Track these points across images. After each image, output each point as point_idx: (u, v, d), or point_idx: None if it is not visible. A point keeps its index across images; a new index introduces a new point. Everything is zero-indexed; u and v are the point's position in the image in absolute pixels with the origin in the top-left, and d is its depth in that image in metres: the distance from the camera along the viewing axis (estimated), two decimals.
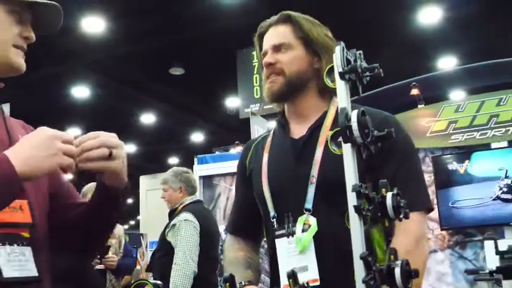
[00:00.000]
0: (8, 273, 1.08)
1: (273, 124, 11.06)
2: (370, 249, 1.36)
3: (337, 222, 1.31)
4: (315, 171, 1.40)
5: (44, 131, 1.08)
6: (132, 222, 24.06)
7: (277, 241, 1.43)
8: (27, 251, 1.15)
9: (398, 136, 1.41)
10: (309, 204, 1.40)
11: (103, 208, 1.26)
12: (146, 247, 10.51)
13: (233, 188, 5.07)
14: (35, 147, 1.05)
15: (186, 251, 3.22)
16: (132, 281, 5.41)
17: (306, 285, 1.05)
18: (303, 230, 1.39)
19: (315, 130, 1.48)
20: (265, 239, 1.62)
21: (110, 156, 1.17)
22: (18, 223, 1.15)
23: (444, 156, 4.67)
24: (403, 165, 1.41)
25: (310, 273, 1.34)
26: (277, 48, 1.52)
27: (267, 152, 1.55)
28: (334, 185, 1.29)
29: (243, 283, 1.43)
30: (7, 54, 1.22)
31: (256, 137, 1.72)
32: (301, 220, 1.40)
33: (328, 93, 1.52)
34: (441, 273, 4.57)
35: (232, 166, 5.09)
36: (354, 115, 0.90)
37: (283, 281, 1.37)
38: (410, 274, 0.97)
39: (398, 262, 0.96)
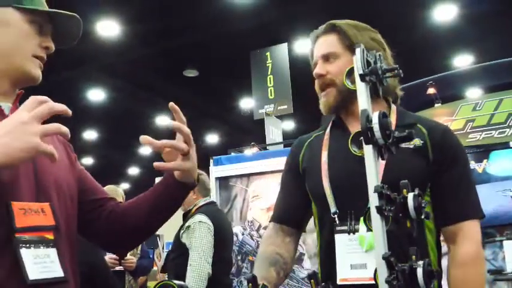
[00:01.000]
0: (34, 276, 1.10)
1: (287, 125, 11.03)
2: (425, 252, 1.40)
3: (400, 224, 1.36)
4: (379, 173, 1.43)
5: (17, 116, 1.03)
6: None
7: (337, 236, 1.46)
8: (52, 252, 1.16)
9: (459, 147, 1.52)
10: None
11: (168, 201, 1.33)
12: (163, 248, 10.56)
13: (249, 189, 5.09)
14: (7, 135, 1.01)
15: (201, 252, 3.23)
16: (148, 282, 5.46)
17: (328, 284, 1.05)
18: (368, 229, 1.41)
19: (359, 134, 1.50)
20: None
21: (185, 155, 1.22)
22: (42, 226, 1.16)
23: None
24: (464, 175, 1.49)
25: (369, 271, 1.35)
26: (325, 58, 1.56)
27: (326, 150, 1.58)
28: (397, 188, 1.36)
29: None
30: (25, 64, 1.24)
31: (307, 134, 1.74)
32: (364, 220, 1.43)
33: (380, 96, 1.57)
34: None
35: (248, 167, 5.12)
36: (375, 117, 0.90)
37: (340, 275, 1.42)
38: (433, 274, 0.97)
39: (420, 262, 0.97)
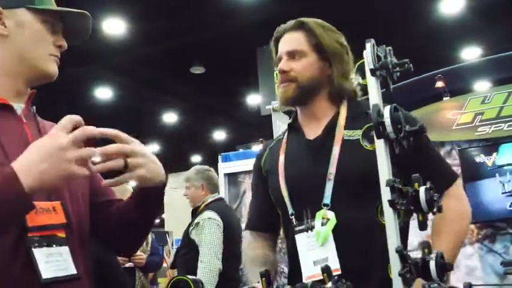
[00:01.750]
0: (47, 275, 1.11)
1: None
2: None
3: (356, 216, 1.43)
4: (333, 168, 1.49)
5: (55, 140, 1.04)
6: (157, 221, 24.30)
7: (297, 236, 1.51)
8: (64, 250, 1.18)
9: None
10: (327, 200, 1.48)
11: (141, 207, 1.28)
12: (172, 245, 10.61)
13: None
14: (45, 160, 1.01)
15: (211, 248, 3.26)
16: (158, 278, 5.48)
17: (339, 279, 1.05)
18: (322, 224, 1.46)
19: (329, 130, 1.56)
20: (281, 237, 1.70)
21: (125, 167, 1.14)
22: (53, 224, 1.17)
23: (471, 149, 4.61)
24: (426, 149, 1.54)
25: (331, 263, 1.40)
26: (291, 54, 1.59)
27: (283, 153, 1.63)
28: (352, 181, 1.45)
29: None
30: (42, 63, 1.26)
31: (270, 140, 1.82)
32: (319, 215, 1.48)
33: (338, 97, 1.62)
34: (470, 267, 4.52)
35: None
36: (386, 111, 0.91)
37: (305, 273, 1.46)
38: (445, 267, 0.98)
39: (433, 255, 0.97)
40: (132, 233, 1.36)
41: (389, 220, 0.95)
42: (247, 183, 5.15)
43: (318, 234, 1.46)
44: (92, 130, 1.07)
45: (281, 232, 1.73)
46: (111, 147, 1.12)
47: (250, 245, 1.72)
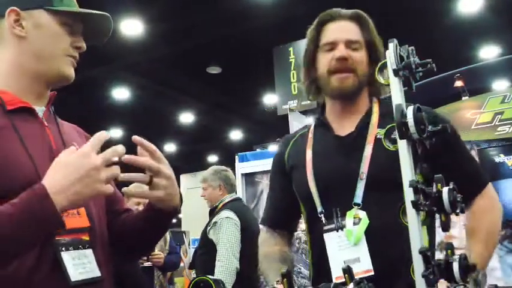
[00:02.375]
0: (75, 277, 1.13)
1: (310, 120, 10.93)
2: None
3: (387, 217, 1.36)
4: (364, 167, 1.44)
5: (89, 161, 1.05)
6: (174, 220, 24.41)
7: (326, 235, 1.46)
8: (89, 253, 1.20)
9: (450, 127, 1.51)
10: (358, 199, 1.44)
11: (149, 222, 1.30)
12: (189, 244, 10.65)
13: None
14: (79, 181, 1.03)
15: (229, 248, 3.27)
16: (174, 278, 5.51)
17: (361, 280, 1.05)
18: (354, 224, 1.43)
19: (362, 128, 1.52)
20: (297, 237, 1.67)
21: (150, 184, 1.18)
22: (79, 228, 1.19)
23: (490, 148, 4.55)
24: (461, 150, 1.52)
25: (363, 264, 1.37)
26: (349, 44, 1.52)
27: (310, 149, 1.57)
28: (384, 182, 1.39)
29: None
30: (60, 65, 1.26)
31: (292, 133, 1.75)
32: (350, 214, 1.44)
33: (375, 95, 1.59)
34: (490, 268, 4.45)
35: None
36: (409, 111, 0.90)
37: (335, 273, 1.41)
38: (468, 268, 0.97)
39: (456, 257, 0.97)
40: (140, 241, 1.38)
41: (413, 221, 0.95)
42: (264, 183, 5.14)
43: (349, 233, 1.42)
44: (123, 151, 1.09)
45: (295, 232, 1.72)
46: (142, 161, 1.16)
47: (267, 241, 1.69)
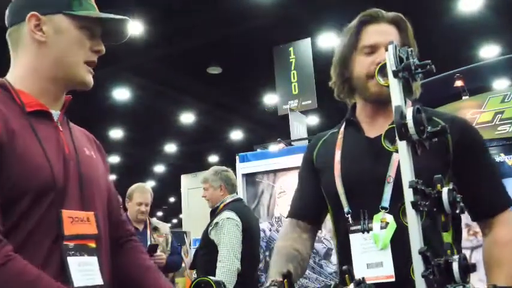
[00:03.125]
0: (78, 283, 1.14)
1: (311, 120, 10.91)
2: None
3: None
4: (392, 171, 1.43)
5: None
6: (175, 221, 24.43)
7: (352, 236, 1.46)
8: (94, 260, 1.21)
9: (480, 138, 1.51)
10: (385, 203, 1.43)
11: None
12: (190, 245, 10.66)
13: (276, 185, 5.09)
14: None
15: (230, 248, 3.27)
16: (176, 278, 5.52)
17: (361, 280, 1.06)
18: (381, 228, 1.42)
19: (392, 131, 1.49)
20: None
21: None
22: (86, 234, 1.21)
23: (491, 148, 4.55)
24: (490, 165, 1.51)
25: (386, 269, 1.36)
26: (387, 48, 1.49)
27: (339, 149, 1.57)
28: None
29: (273, 283, 1.39)
30: (78, 72, 1.27)
31: (325, 132, 1.73)
32: (377, 217, 1.43)
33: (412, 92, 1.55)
34: None
35: (274, 163, 5.12)
36: (409, 113, 0.91)
37: (358, 274, 1.40)
38: (468, 268, 0.97)
39: (456, 257, 0.97)
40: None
41: (412, 221, 0.95)
42: (265, 183, 5.15)
43: (376, 237, 1.41)
44: None
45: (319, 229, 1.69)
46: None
47: (286, 235, 1.65)
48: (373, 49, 1.49)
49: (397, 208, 1.38)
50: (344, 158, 1.54)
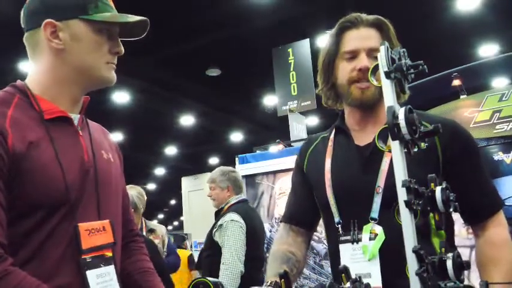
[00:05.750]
0: None
1: (311, 121, 10.87)
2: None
3: (401, 233, 1.34)
4: (381, 181, 1.42)
5: None
6: (176, 223, 24.42)
7: (342, 246, 1.46)
8: (111, 269, 1.22)
9: (470, 140, 1.49)
10: (374, 214, 1.42)
11: None
12: (191, 247, 10.68)
13: (275, 186, 5.11)
14: None
15: (233, 251, 3.26)
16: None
17: (358, 279, 1.07)
18: (370, 239, 1.41)
19: (385, 130, 1.47)
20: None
21: None
22: (103, 245, 1.21)
23: (489, 146, 4.56)
24: (481, 167, 1.49)
25: (374, 280, 1.36)
26: (371, 52, 1.47)
27: (329, 157, 1.56)
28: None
29: (269, 283, 1.41)
30: (100, 74, 1.27)
31: (316, 134, 1.72)
32: (366, 229, 1.43)
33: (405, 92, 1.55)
34: None
35: (273, 164, 5.13)
36: (401, 113, 0.92)
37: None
38: (463, 266, 0.98)
39: (450, 255, 0.98)
40: None
41: (406, 220, 0.96)
42: (265, 185, 5.16)
43: (365, 248, 1.41)
44: None
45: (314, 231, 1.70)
46: None
47: (280, 239, 1.65)
48: (353, 54, 1.49)
49: (387, 216, 1.38)
50: (334, 167, 1.53)
